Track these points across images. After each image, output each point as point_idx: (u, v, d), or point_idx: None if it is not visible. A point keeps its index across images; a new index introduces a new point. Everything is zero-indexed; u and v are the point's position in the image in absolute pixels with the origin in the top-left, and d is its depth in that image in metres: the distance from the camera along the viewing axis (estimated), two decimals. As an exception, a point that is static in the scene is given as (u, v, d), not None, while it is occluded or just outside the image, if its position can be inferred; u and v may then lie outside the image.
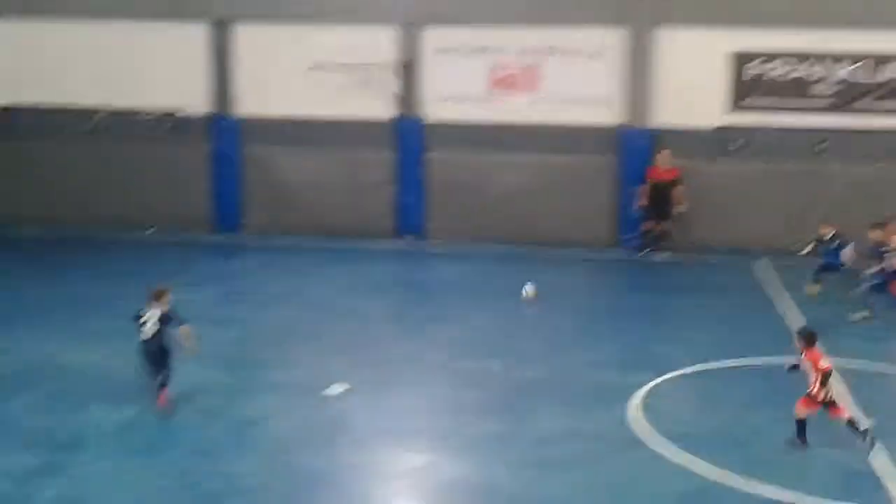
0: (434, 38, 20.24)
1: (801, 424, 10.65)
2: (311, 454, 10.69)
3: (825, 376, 10.48)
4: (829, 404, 10.59)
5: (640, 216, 19.62)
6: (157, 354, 11.61)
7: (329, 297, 16.66)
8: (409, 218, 20.79)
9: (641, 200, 19.46)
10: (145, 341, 11.65)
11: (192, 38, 20.70)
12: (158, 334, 11.60)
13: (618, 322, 15.80)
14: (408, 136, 20.55)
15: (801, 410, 10.65)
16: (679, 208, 19.50)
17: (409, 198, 20.72)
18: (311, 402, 12.11)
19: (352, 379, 12.81)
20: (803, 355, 10.73)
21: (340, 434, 11.30)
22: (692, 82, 19.68)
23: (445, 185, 20.51)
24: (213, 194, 21.14)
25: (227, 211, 21.11)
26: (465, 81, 20.26)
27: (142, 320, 11.61)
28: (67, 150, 21.29)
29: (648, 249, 19.59)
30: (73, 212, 20.99)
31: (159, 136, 21.15)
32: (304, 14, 20.36)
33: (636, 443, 11.09)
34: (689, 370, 12.86)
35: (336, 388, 12.45)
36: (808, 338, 10.81)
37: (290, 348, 14.05)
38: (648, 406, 11.67)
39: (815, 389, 10.52)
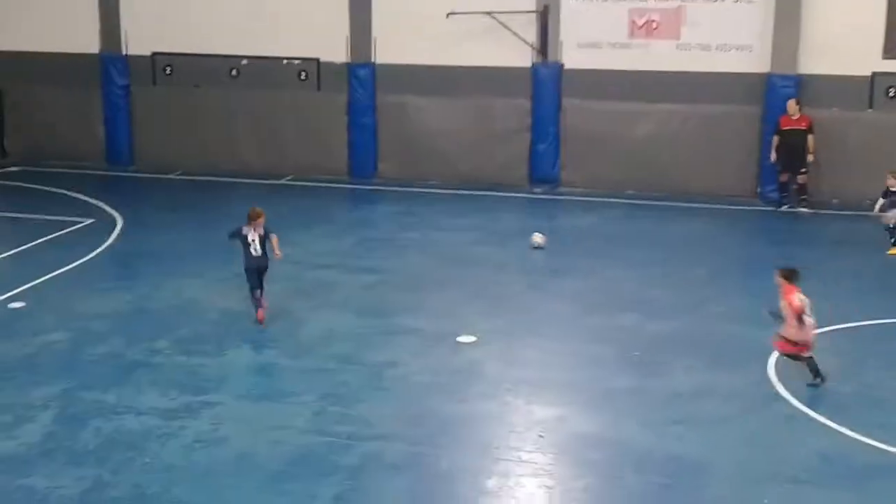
0: (573, -17, 19.85)
1: (812, 364, 10.92)
2: (443, 401, 10.80)
3: (800, 316, 10.69)
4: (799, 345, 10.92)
5: (776, 169, 18.88)
6: (264, 270, 13.01)
7: (461, 245, 16.69)
8: (542, 167, 20.57)
9: (773, 152, 18.69)
10: (257, 258, 12.94)
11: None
12: (264, 251, 12.92)
13: (755, 276, 15.28)
14: (544, 84, 20.25)
15: (787, 349, 10.99)
16: (810, 157, 18.62)
17: (544, 146, 20.47)
18: (443, 350, 12.23)
19: (483, 328, 12.87)
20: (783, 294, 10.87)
21: (473, 382, 11.38)
22: (845, 27, 18.71)
23: (581, 134, 20.16)
24: (350, 142, 21.36)
25: (362, 158, 21.31)
26: (604, 27, 19.77)
27: (249, 239, 12.88)
28: (210, 98, 21.82)
29: (787, 205, 18.85)
30: (217, 158, 21.56)
31: (299, 83, 21.46)
32: (442, -40, 20.25)
33: (774, 399, 10.82)
34: (829, 328, 12.39)
35: (467, 338, 12.52)
36: (788, 276, 10.89)
37: (422, 296, 14.16)
38: (786, 363, 11.32)
39: (793, 330, 10.80)
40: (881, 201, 16.27)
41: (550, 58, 20.12)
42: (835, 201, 18.93)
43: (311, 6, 21.00)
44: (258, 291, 12.98)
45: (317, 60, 21.32)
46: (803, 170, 18.65)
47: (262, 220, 13.01)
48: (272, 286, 13.68)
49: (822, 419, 10.25)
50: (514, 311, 13.62)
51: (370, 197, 19.75)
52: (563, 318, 13.45)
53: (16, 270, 14.94)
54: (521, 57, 20.21)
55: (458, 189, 20.35)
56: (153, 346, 12.14)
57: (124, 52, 22.05)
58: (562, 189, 20.38)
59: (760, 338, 12.41)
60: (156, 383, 11.06)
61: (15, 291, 13.92)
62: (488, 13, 19.85)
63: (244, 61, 21.72)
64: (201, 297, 14.03)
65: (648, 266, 15.44)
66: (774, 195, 19.07)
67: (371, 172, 21.31)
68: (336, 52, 21.07)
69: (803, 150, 18.53)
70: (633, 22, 19.72)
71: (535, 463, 9.54)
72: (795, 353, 11.01)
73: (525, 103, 20.42)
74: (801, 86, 18.97)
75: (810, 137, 18.51)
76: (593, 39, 19.91)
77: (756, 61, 19.30)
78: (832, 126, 18.86)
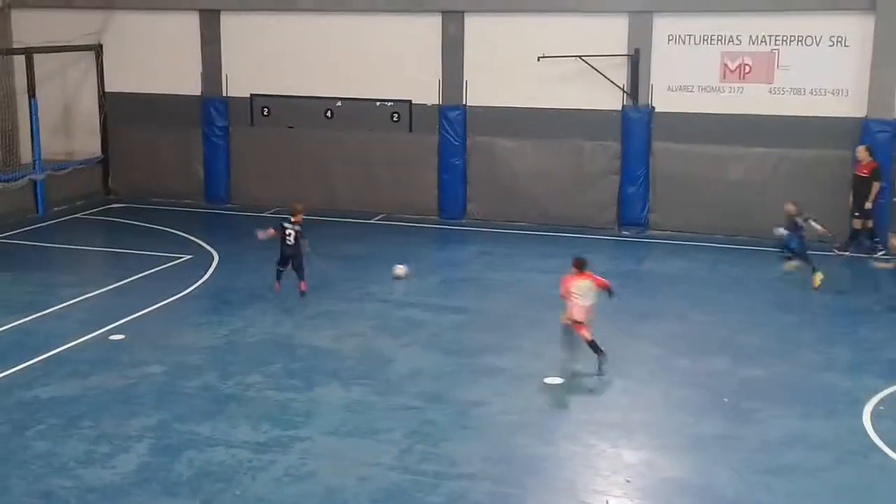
0: (665, 27, 19.82)
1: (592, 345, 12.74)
2: (529, 441, 10.83)
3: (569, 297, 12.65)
4: (576, 323, 12.69)
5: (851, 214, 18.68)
6: (293, 256, 15.74)
7: (548, 287, 16.58)
8: (631, 209, 20.51)
9: (850, 198, 18.53)
10: (289, 246, 15.73)
11: (425, 30, 21.21)
12: (296, 242, 15.66)
13: (846, 322, 15.04)
14: (634, 126, 20.26)
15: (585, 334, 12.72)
16: (867, 204, 18.37)
17: (633, 189, 20.43)
18: (530, 390, 12.26)
19: (569, 369, 12.84)
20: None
21: (559, 423, 11.40)
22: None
23: (671, 177, 20.09)
24: (439, 183, 21.63)
25: (451, 199, 21.54)
26: (695, 71, 19.73)
27: (287, 231, 15.67)
28: (305, 138, 22.36)
29: (851, 249, 18.52)
30: (310, 196, 21.91)
31: (391, 124, 21.86)
32: (532, 4, 20.45)
33: (869, 450, 10.59)
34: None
35: (554, 379, 12.53)
36: (578, 265, 13.06)
37: (509, 336, 14.23)
38: (882, 414, 11.07)
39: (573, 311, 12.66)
40: (783, 231, 16.47)
41: (641, 101, 20.13)
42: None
43: (405, 50, 21.42)
44: (282, 270, 15.88)
45: (409, 102, 21.70)
46: (857, 214, 18.48)
47: (299, 218, 15.82)
48: (361, 324, 14.50)
49: (918, 472, 9.99)
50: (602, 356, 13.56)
51: (458, 237, 19.93)
52: (650, 362, 13.37)
53: (117, 303, 15.47)
54: (611, 100, 20.27)
55: (545, 231, 20.42)
56: (245, 381, 12.44)
57: (224, 94, 22.77)
58: (650, 232, 20.29)
59: (854, 387, 12.21)
60: (248, 417, 11.33)
61: (116, 324, 14.42)
62: (579, 56, 19.98)
63: (339, 103, 22.22)
64: (292, 333, 14.33)
65: (738, 311, 15.27)
66: (868, 242, 18.70)
67: (460, 212, 21.53)
68: (428, 94, 21.42)
69: (864, 196, 18.35)
70: (726, 65, 19.63)
71: (621, 507, 9.50)
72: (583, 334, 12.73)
73: (615, 146, 20.45)
74: (899, 131, 18.64)
75: (876, 184, 18.27)
76: (684, 83, 19.88)
77: (852, 106, 19.02)
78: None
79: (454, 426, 11.21)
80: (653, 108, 20.13)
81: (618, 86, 20.15)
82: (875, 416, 11.27)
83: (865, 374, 12.74)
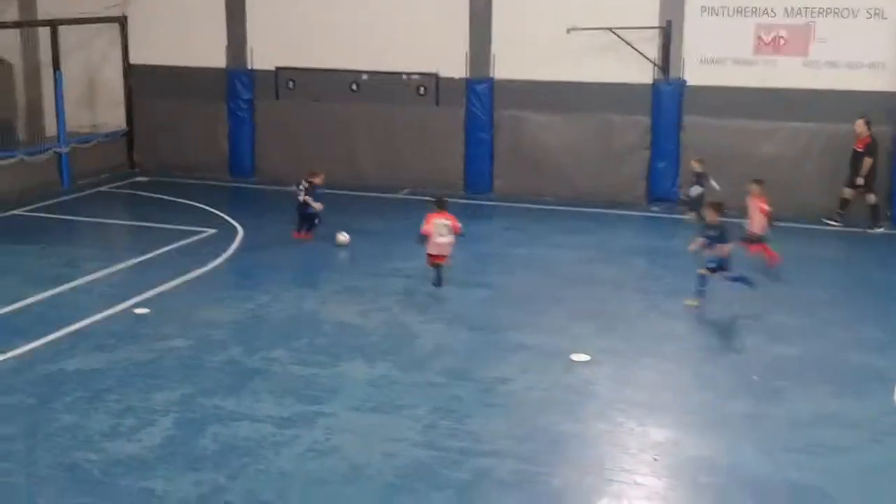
0: (697, -2, 19.53)
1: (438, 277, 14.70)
2: (556, 419, 10.69)
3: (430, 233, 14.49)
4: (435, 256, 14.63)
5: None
6: (304, 212, 17.38)
7: (575, 263, 16.54)
8: (661, 185, 20.25)
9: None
10: (298, 204, 17.40)
11: (452, 2, 20.95)
12: (304, 202, 17.26)
13: (878, 300, 14.76)
14: (666, 101, 19.95)
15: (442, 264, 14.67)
16: (858, 180, 18.27)
17: (664, 164, 20.15)
18: (557, 367, 12.11)
19: (596, 347, 12.71)
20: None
21: (586, 401, 11.24)
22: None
23: (703, 152, 19.72)
24: (466, 157, 21.43)
25: (478, 174, 21.34)
26: (728, 43, 19.37)
27: (299, 188, 17.32)
28: (330, 112, 22.19)
29: (838, 220, 18.65)
30: (335, 170, 21.66)
31: (418, 97, 21.65)
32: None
33: (901, 433, 10.37)
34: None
35: (581, 356, 12.38)
36: (439, 203, 14.84)
37: (535, 313, 14.07)
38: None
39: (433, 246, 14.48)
40: (695, 188, 17.83)
41: (672, 74, 19.81)
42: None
43: (431, 22, 21.18)
44: (303, 226, 17.48)
45: (435, 75, 21.48)
46: (848, 185, 18.47)
47: (315, 176, 17.54)
48: (386, 300, 14.50)
49: (954, 454, 9.78)
50: (630, 331, 13.41)
51: (485, 212, 19.72)
52: (679, 339, 13.18)
53: (142, 277, 15.43)
54: (641, 73, 19.97)
55: (574, 206, 20.20)
56: (270, 356, 12.36)
57: (249, 67, 22.64)
58: (681, 208, 20.00)
59: (887, 367, 11.97)
60: (272, 392, 11.25)
61: (140, 298, 14.38)
62: (609, 29, 19.67)
63: (364, 76, 22.03)
64: (317, 309, 14.23)
65: (770, 288, 15.01)
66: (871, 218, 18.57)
67: (487, 188, 21.33)
68: (455, 67, 21.18)
69: (856, 171, 18.26)
70: (760, 38, 19.27)
71: (649, 486, 9.35)
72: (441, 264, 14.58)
73: (645, 120, 20.16)
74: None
75: (867, 160, 18.15)
76: (717, 55, 19.53)
77: (889, 79, 18.63)
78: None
79: (479, 403, 11.08)
80: (684, 81, 19.81)
81: (648, 59, 19.84)
82: (909, 396, 11.05)
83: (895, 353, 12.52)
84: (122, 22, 23.26)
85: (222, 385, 11.44)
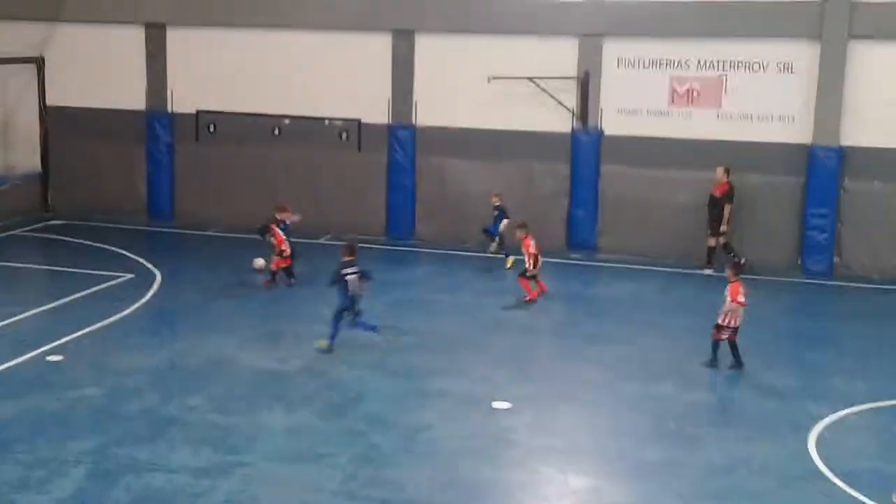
0: (614, 50, 19.93)
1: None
2: (477, 467, 10.69)
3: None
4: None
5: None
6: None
7: (495, 309, 16.63)
8: (580, 232, 20.54)
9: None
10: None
11: (375, 49, 21.11)
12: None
13: (790, 347, 15.16)
14: (584, 150, 20.30)
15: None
16: (723, 228, 19.05)
17: (582, 212, 20.46)
18: (478, 414, 12.14)
19: (517, 393, 12.78)
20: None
21: (506, 448, 11.27)
22: (888, 99, 18.66)
23: (620, 201, 20.17)
24: (388, 203, 21.48)
25: (400, 219, 21.39)
26: (645, 95, 19.85)
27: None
28: (252, 156, 22.07)
29: (712, 268, 19.10)
30: (257, 215, 21.62)
31: (340, 143, 21.68)
32: (483, 26, 20.43)
33: (814, 476, 10.61)
34: (868, 405, 12.19)
35: (502, 403, 12.42)
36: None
37: (457, 359, 14.10)
38: (825, 440, 11.13)
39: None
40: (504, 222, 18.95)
41: (590, 124, 20.20)
42: (875, 276, 18.81)
43: (354, 68, 21.29)
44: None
45: (358, 121, 21.55)
46: (711, 233, 19.18)
47: (285, 214, 17.71)
48: (306, 346, 14.32)
49: (862, 498, 10.01)
50: (548, 378, 13.52)
51: (407, 257, 19.77)
52: (597, 386, 13.31)
53: (55, 324, 15.07)
54: (561, 122, 20.31)
55: (495, 253, 20.32)
56: (187, 403, 12.15)
57: (169, 110, 22.43)
58: (599, 255, 20.32)
59: (800, 412, 12.25)
60: (188, 441, 11.04)
61: (53, 344, 14.03)
62: (529, 78, 20.00)
63: (286, 120, 21.99)
64: (235, 356, 14.04)
65: (685, 335, 15.26)
66: (819, 266, 18.95)
67: (409, 233, 21.40)
68: (377, 113, 21.29)
69: (717, 217, 19.05)
70: (674, 90, 19.78)
71: (568, 535, 9.38)
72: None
73: (564, 168, 20.48)
74: (845, 157, 18.91)
75: (728, 207, 18.96)
76: (634, 106, 19.99)
77: (798, 132, 19.25)
78: (873, 199, 18.83)
79: (400, 450, 11.04)
80: (602, 131, 20.21)
81: (567, 108, 20.20)
82: (820, 442, 11.30)
83: (807, 399, 12.79)
84: (39, 63, 22.89)
85: (137, 434, 11.20)
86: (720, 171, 18.99)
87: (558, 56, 20.10)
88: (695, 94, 19.69)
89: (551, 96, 20.09)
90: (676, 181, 19.88)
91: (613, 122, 20.12)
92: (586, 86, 20.03)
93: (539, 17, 20.16)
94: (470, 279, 18.54)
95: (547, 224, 20.57)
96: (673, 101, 19.81)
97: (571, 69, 20.10)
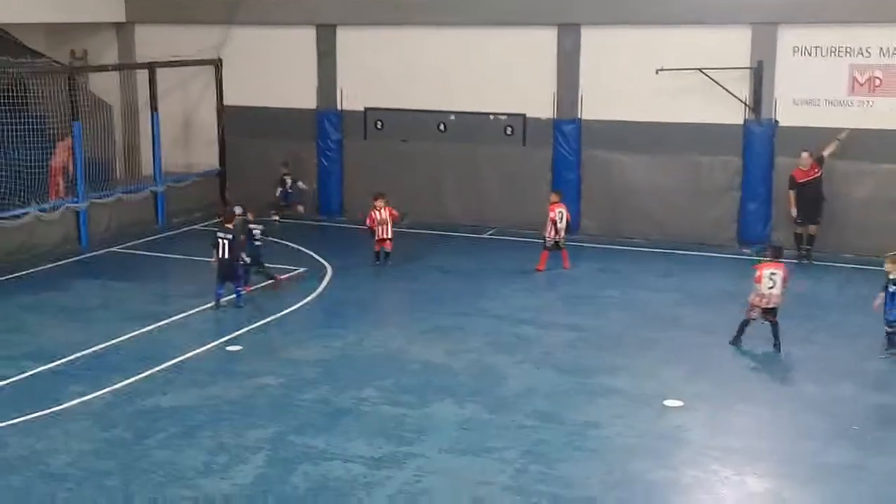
0: (790, 38, 19.19)
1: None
2: (648, 465, 10.51)
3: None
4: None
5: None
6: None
7: (664, 305, 16.32)
8: (752, 227, 19.90)
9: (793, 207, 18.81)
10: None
11: (540, 43, 21.03)
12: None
13: None
14: (757, 141, 19.66)
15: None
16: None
17: (755, 206, 19.81)
18: (648, 412, 11.92)
19: (689, 392, 12.49)
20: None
21: (679, 448, 11.03)
22: None
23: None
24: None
25: (565, 214, 21.27)
26: (822, 84, 19.05)
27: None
28: (418, 152, 22.37)
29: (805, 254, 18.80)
30: (422, 210, 21.97)
31: (505, 138, 21.71)
32: (651, 17, 20.07)
33: None
34: None
35: (674, 402, 12.17)
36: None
37: (625, 356, 13.90)
38: None
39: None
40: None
41: (764, 115, 19.54)
42: None
43: (519, 63, 21.26)
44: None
45: (523, 116, 21.53)
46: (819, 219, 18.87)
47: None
48: (474, 340, 14.44)
49: None
50: (722, 376, 13.15)
51: (572, 253, 19.58)
52: (774, 386, 12.89)
53: (235, 315, 15.66)
54: (732, 114, 19.73)
55: (663, 248, 19.98)
56: (360, 395, 12.41)
57: (339, 108, 22.98)
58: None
59: None
60: (362, 431, 11.28)
61: (233, 335, 14.60)
62: (699, 69, 19.50)
63: (452, 116, 22.19)
64: (405, 348, 14.26)
65: (862, 334, 14.58)
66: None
67: (574, 228, 21.17)
68: (542, 107, 21.22)
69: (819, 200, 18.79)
70: (854, 78, 18.90)
71: (747, 538, 9.11)
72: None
73: (735, 161, 19.89)
74: None
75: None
76: (810, 96, 19.21)
77: None
78: None
79: (569, 447, 10.96)
80: (776, 122, 19.52)
81: (740, 99, 19.59)
82: None
83: None
84: (217, 64, 23.85)
85: (313, 423, 11.51)
86: (806, 156, 18.59)
87: (730, 46, 19.52)
88: (877, 82, 18.76)
89: (722, 87, 19.54)
90: (857, 173, 18.99)
91: (789, 113, 19.38)
92: (760, 75, 19.38)
93: (709, 6, 19.63)
94: (635, 274, 18.24)
95: (717, 219, 20.07)
96: (853, 90, 18.94)
97: (744, 59, 19.48)
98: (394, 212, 18.53)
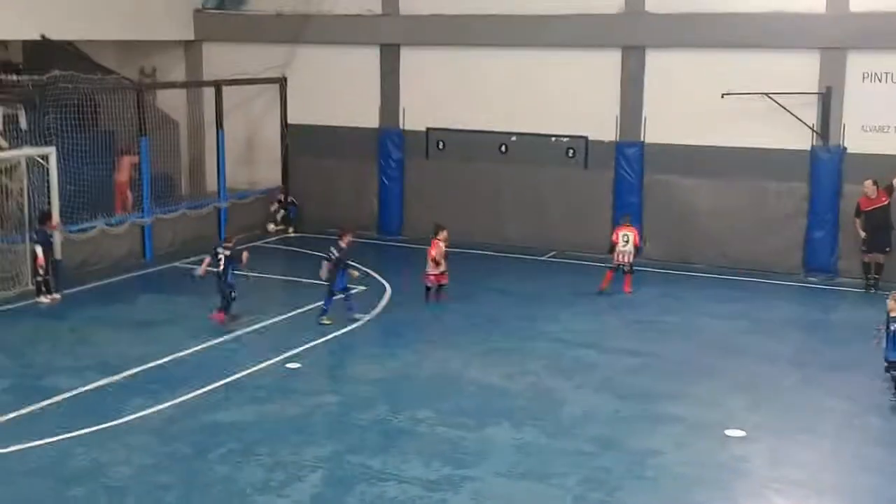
0: (860, 64, 18.87)
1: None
2: (708, 496, 10.35)
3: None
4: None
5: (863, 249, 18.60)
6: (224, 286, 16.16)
7: (727, 332, 16.08)
8: (819, 255, 19.54)
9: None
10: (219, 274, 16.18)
11: (603, 66, 20.94)
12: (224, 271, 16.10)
13: None
14: (824, 168, 19.33)
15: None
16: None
17: (821, 233, 19.46)
18: (709, 442, 11.74)
19: (751, 422, 12.28)
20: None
21: (740, 479, 10.84)
22: None
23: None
24: (613, 221, 21.19)
25: (627, 238, 21.06)
26: (891, 110, 18.67)
27: (217, 258, 16.19)
28: (479, 172, 22.37)
29: (872, 284, 18.43)
30: (482, 230, 21.96)
31: (566, 160, 21.63)
32: (716, 40, 19.85)
33: None
34: None
35: (736, 432, 11.96)
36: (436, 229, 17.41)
37: (686, 383, 13.70)
38: None
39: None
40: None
41: (832, 141, 19.22)
42: None
43: (581, 85, 21.19)
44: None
45: (585, 138, 21.44)
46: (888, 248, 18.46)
47: (227, 243, 16.61)
48: (532, 363, 14.36)
49: None
50: (786, 406, 12.91)
51: (635, 277, 19.40)
52: (839, 417, 12.59)
53: (293, 332, 15.75)
54: (798, 139, 19.44)
55: (725, 274, 19.72)
56: (416, 416, 12.38)
57: (401, 128, 23.09)
58: (839, 279, 19.27)
59: None
60: (419, 452, 11.24)
61: (292, 352, 14.67)
62: (766, 94, 19.25)
63: (513, 138, 22.16)
64: (462, 370, 14.21)
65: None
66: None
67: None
68: (605, 130, 21.11)
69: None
70: (925, 104, 18.54)
71: (811, 575, 8.89)
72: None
73: (802, 187, 19.58)
74: None
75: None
76: (880, 123, 18.85)
77: None
78: None
79: (629, 475, 10.81)
80: (844, 148, 19.18)
81: (807, 125, 19.30)
82: None
83: None
84: (281, 83, 24.12)
85: (370, 443, 11.51)
86: (870, 184, 18.26)
87: (797, 70, 19.27)
88: (947, 109, 18.37)
89: (789, 112, 19.26)
90: (928, 201, 18.58)
91: (857, 139, 19.05)
92: (828, 101, 19.08)
93: (776, 30, 19.38)
94: (698, 300, 18.01)
95: (782, 246, 19.76)
96: (924, 117, 18.57)
97: (812, 84, 19.22)
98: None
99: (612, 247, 18.34)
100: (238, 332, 15.66)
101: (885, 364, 13.15)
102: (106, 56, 23.75)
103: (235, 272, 16.25)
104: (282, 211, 23.85)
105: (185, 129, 24.65)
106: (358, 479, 10.54)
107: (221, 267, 16.09)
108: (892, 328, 13.01)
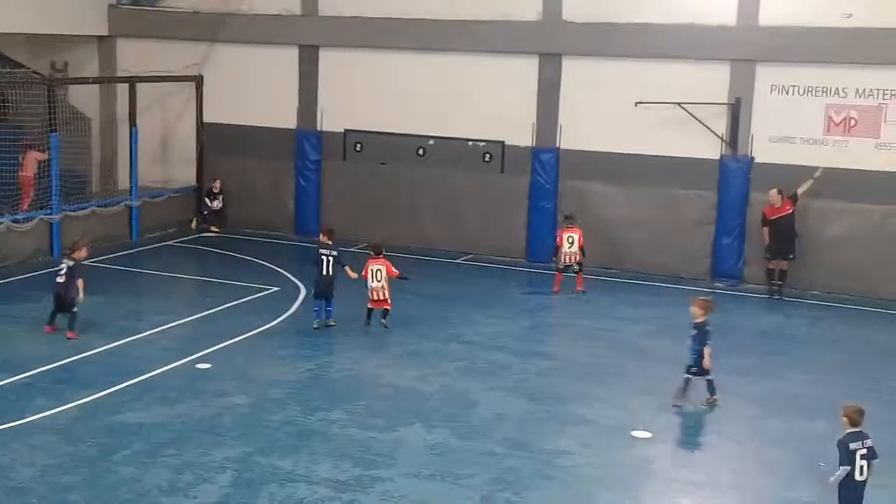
0: (768, 76, 19.42)
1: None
2: (615, 497, 10.53)
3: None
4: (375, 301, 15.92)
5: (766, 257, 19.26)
6: (63, 297, 15.08)
7: (637, 336, 16.37)
8: (726, 261, 20.03)
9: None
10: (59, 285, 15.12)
11: (521, 72, 21.15)
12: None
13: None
14: (732, 177, 19.83)
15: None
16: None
17: (729, 240, 19.95)
18: (616, 443, 11.94)
19: (657, 424, 12.51)
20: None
21: (646, 479, 11.05)
22: None
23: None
24: (529, 225, 21.44)
25: (540, 242, 21.26)
26: (799, 122, 19.26)
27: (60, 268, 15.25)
28: (396, 175, 22.41)
29: (776, 290, 19.04)
30: (399, 233, 21.97)
31: (483, 165, 21.79)
32: (632, 50, 20.22)
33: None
34: None
35: (642, 433, 12.19)
36: (375, 249, 16.01)
37: (597, 385, 13.92)
38: None
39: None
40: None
41: (740, 150, 19.72)
42: None
43: (500, 91, 21.37)
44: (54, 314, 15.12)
45: (502, 143, 21.63)
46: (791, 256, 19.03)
47: (73, 253, 15.44)
48: (445, 365, 14.44)
49: None
50: (691, 410, 13.17)
51: (547, 280, 19.62)
52: (742, 420, 12.92)
53: (204, 332, 15.59)
54: (709, 148, 19.91)
55: (637, 279, 20.07)
56: (328, 417, 12.35)
57: (319, 129, 23.00)
58: (745, 286, 19.77)
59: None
60: (329, 454, 11.22)
61: (203, 353, 14.51)
62: (678, 104, 19.67)
63: (431, 141, 22.25)
64: (376, 371, 14.23)
65: (836, 372, 14.70)
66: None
67: (549, 257, 21.24)
68: (522, 135, 21.33)
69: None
70: (830, 118, 19.12)
71: (710, 572, 9.11)
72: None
73: (711, 195, 20.05)
74: None
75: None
76: (787, 134, 19.41)
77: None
78: None
79: (537, 475, 10.94)
80: (752, 158, 19.70)
81: (717, 134, 19.77)
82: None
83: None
84: (198, 81, 23.83)
85: (280, 444, 11.44)
86: (775, 193, 18.83)
87: (708, 81, 19.73)
88: (852, 122, 18.99)
89: (700, 122, 19.72)
90: (831, 212, 19.18)
91: (764, 150, 19.58)
92: (737, 112, 19.58)
93: (689, 41, 19.82)
94: (609, 304, 18.30)
95: (691, 251, 20.19)
96: (829, 130, 19.16)
97: (722, 95, 19.70)
98: (393, 270, 16.01)
99: (557, 249, 18.60)
100: (148, 333, 15.43)
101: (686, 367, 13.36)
102: (16, 50, 23.22)
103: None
104: (216, 202, 23.54)
105: (98, 126, 24.18)
106: (267, 480, 10.48)
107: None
108: (692, 333, 13.29)
